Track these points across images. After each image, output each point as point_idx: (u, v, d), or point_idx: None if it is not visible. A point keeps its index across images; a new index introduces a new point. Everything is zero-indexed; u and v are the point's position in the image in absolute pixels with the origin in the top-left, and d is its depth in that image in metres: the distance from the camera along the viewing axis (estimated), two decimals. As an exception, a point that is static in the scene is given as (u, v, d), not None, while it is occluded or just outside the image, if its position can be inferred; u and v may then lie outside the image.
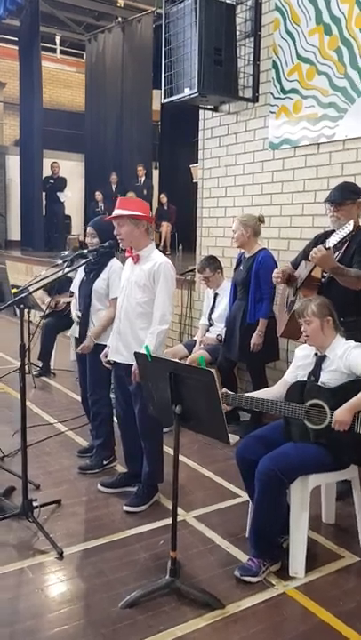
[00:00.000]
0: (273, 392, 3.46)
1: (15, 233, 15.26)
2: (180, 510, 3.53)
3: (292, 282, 4.11)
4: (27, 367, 4.56)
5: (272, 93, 5.33)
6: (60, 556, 3.24)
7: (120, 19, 13.77)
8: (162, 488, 3.93)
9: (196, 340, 5.82)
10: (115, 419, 4.30)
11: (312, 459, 3.10)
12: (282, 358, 5.15)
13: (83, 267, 4.30)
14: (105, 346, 4.02)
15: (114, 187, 13.32)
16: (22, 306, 3.42)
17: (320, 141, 4.88)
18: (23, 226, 14.41)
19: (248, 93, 5.54)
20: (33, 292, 3.68)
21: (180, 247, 11.32)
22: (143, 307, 3.69)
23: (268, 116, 5.42)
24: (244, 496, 3.78)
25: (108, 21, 14.22)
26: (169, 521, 3.47)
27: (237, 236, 4.98)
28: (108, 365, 3.96)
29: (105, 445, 4.42)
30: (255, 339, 4.88)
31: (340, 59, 4.63)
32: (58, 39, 16.52)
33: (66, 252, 8.62)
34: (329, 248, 3.53)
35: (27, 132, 13.96)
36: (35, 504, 3.54)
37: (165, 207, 12.73)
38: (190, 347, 5.79)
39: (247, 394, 3.40)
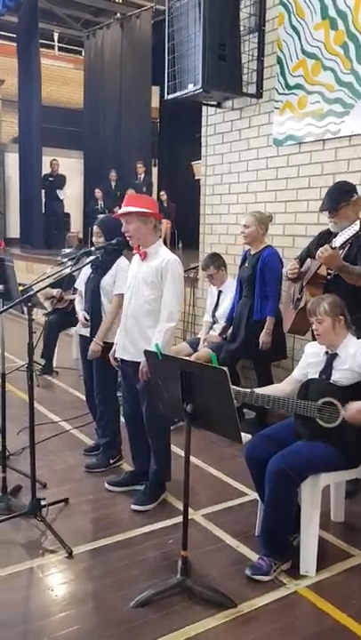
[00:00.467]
0: (280, 390, 3.44)
1: (14, 230, 15.23)
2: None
3: (298, 279, 4.09)
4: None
5: (276, 89, 5.30)
6: (70, 555, 3.21)
7: (118, 15, 13.71)
8: (168, 486, 3.91)
9: (199, 338, 5.79)
10: (122, 417, 4.27)
11: (323, 457, 3.08)
12: (289, 357, 5.13)
13: (89, 264, 4.28)
14: (112, 344, 3.99)
15: (113, 184, 13.29)
16: (30, 304, 3.39)
17: (325, 137, 4.85)
18: (22, 223, 14.39)
19: (252, 89, 5.51)
20: (40, 290, 3.65)
21: (180, 244, 11.29)
22: (151, 304, 3.66)
23: (272, 112, 5.39)
24: (252, 494, 3.77)
25: (106, 18, 14.18)
26: (177, 519, 3.48)
27: (250, 231, 4.95)
28: (115, 363, 3.93)
29: (111, 444, 4.40)
30: (264, 337, 4.85)
31: (347, 54, 4.60)
32: (56, 36, 16.48)
33: (67, 250, 8.59)
34: (335, 248, 3.54)
35: (25, 129, 13.92)
36: (42, 503, 3.51)
37: (165, 204, 12.69)
38: (194, 344, 5.77)
39: (257, 390, 3.38)
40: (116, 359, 3.90)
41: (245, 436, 4.15)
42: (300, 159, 5.15)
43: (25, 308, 3.40)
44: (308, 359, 3.38)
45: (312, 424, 3.13)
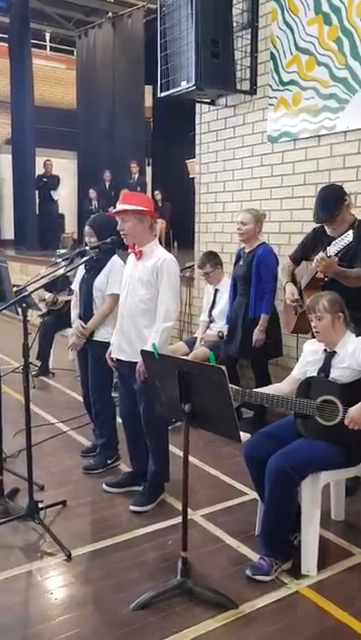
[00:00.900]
0: (280, 389, 3.41)
1: (9, 232, 15.17)
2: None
3: (295, 282, 4.13)
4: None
5: (270, 85, 5.27)
6: (69, 557, 3.18)
7: (110, 14, 13.65)
8: (167, 487, 3.88)
9: (196, 338, 5.77)
10: (118, 418, 4.24)
11: (323, 455, 3.06)
12: (285, 354, 5.11)
13: (82, 264, 4.25)
14: (108, 344, 3.96)
15: (107, 184, 13.24)
16: (25, 305, 3.36)
17: (321, 134, 4.83)
18: (16, 225, 14.31)
19: (246, 86, 5.49)
20: (34, 290, 3.61)
21: (175, 244, 11.26)
22: (146, 303, 3.63)
23: (266, 109, 5.36)
24: (252, 494, 3.74)
25: (98, 17, 14.12)
26: (176, 520, 3.45)
27: (247, 229, 4.92)
28: (111, 363, 3.90)
29: (108, 445, 4.37)
30: (257, 334, 4.83)
31: (341, 49, 4.58)
32: (48, 36, 16.40)
33: (62, 251, 8.54)
34: (331, 256, 3.55)
35: (18, 130, 13.85)
36: (40, 505, 3.48)
37: (160, 204, 12.64)
38: (191, 344, 5.74)
39: (256, 389, 3.35)
40: (112, 359, 3.86)
41: (244, 435, 4.12)
42: (296, 156, 5.13)
43: (19, 309, 3.36)
44: (307, 357, 3.35)
45: (312, 422, 3.10)
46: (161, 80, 5.62)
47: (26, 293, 3.49)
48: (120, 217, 3.62)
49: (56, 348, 7.10)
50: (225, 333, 5.27)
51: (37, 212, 13.77)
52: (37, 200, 13.80)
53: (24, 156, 13.56)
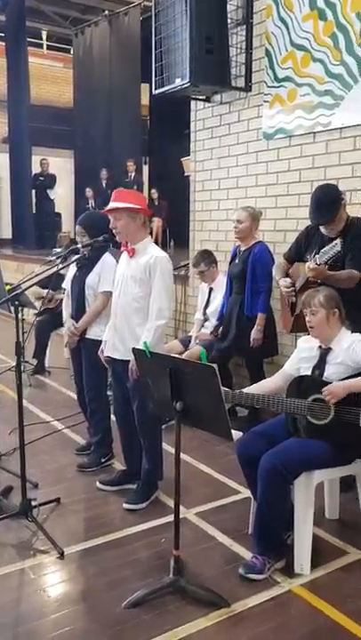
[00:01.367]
0: (271, 383, 3.40)
1: (6, 231, 15.14)
2: (180, 507, 3.47)
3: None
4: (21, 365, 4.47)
5: (265, 82, 5.26)
6: (61, 555, 3.17)
7: (107, 12, 13.62)
8: (161, 485, 3.87)
9: (191, 336, 5.75)
10: (112, 416, 4.22)
11: (316, 454, 3.04)
12: (280, 353, 5.09)
13: (74, 263, 4.23)
14: (101, 342, 3.94)
15: (104, 183, 13.20)
16: (17, 303, 3.34)
17: (316, 130, 4.81)
18: (14, 224, 14.29)
19: (241, 82, 5.47)
20: (27, 288, 3.59)
21: (172, 243, 11.23)
22: (139, 301, 3.61)
23: (261, 106, 5.35)
24: (245, 492, 3.72)
25: (94, 15, 14.08)
26: (169, 518, 3.43)
27: (243, 227, 4.91)
28: (105, 359, 3.88)
29: (102, 443, 4.35)
30: (255, 333, 4.82)
31: (336, 45, 4.56)
32: (44, 34, 16.35)
33: (58, 250, 8.51)
34: (320, 264, 3.56)
35: (15, 128, 13.83)
36: (34, 503, 3.47)
37: (156, 203, 12.60)
38: (186, 342, 5.73)
39: (246, 389, 3.33)
40: (106, 358, 3.85)
41: (236, 434, 4.10)
42: (291, 153, 5.11)
43: (12, 308, 3.35)
44: (301, 353, 3.33)
45: (303, 421, 3.09)
46: (156, 77, 5.60)
47: (19, 291, 3.47)
48: (112, 215, 3.60)
49: (52, 346, 7.08)
50: (218, 331, 5.26)
51: (34, 211, 13.73)
52: (34, 199, 13.77)
53: (21, 154, 13.54)
